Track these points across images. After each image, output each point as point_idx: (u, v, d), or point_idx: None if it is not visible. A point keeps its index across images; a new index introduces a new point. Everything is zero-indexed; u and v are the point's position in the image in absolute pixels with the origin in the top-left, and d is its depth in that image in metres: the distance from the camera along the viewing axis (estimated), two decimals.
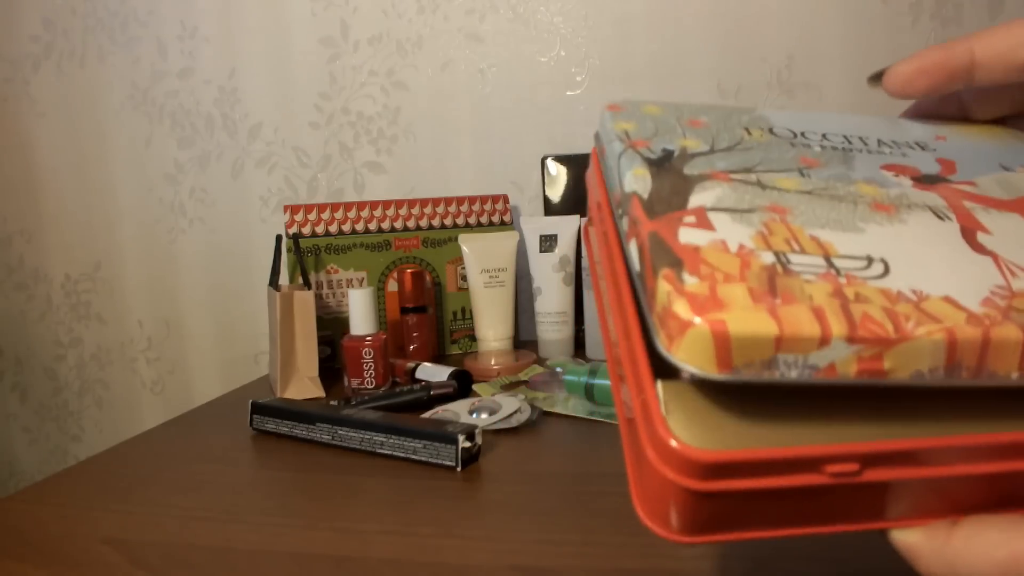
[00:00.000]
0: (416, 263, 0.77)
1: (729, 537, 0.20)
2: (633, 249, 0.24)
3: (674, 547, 0.31)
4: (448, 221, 0.78)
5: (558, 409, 0.53)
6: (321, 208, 0.75)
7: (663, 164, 0.27)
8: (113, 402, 1.00)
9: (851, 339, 0.19)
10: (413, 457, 0.44)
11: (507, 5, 0.84)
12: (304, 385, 0.64)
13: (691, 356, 0.19)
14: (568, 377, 0.54)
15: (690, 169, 0.27)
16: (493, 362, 0.67)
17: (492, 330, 0.73)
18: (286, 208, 0.75)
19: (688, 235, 0.23)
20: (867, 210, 0.25)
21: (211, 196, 0.93)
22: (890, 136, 0.31)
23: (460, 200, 0.78)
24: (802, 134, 0.31)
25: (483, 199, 0.79)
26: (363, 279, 0.76)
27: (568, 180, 0.77)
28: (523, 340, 0.85)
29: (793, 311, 0.20)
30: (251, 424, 0.53)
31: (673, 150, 0.28)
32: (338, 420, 0.48)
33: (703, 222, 0.24)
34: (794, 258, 0.22)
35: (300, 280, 0.72)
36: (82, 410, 1.02)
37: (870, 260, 0.23)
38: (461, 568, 0.30)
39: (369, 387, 0.62)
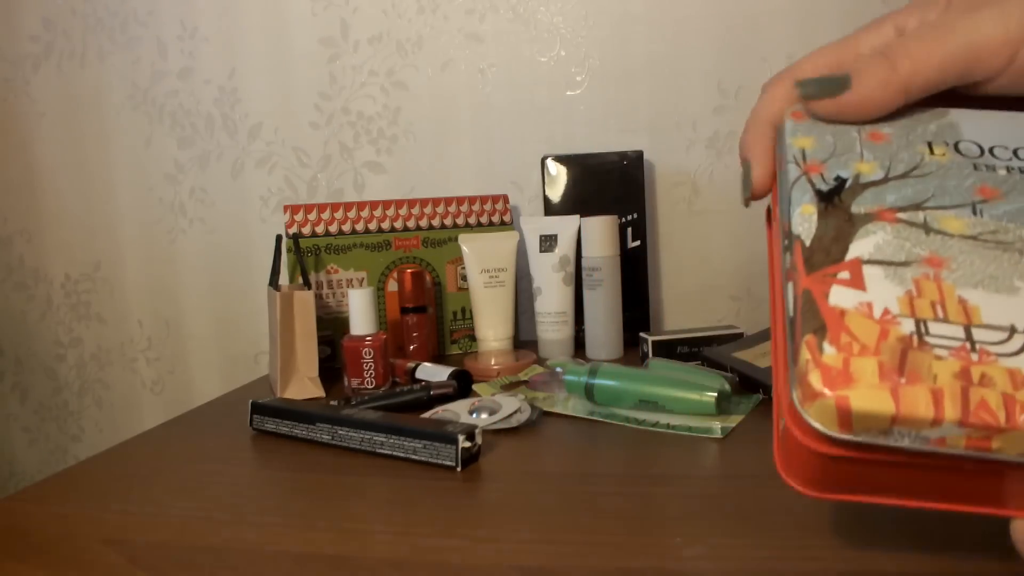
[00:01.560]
0: (416, 263, 0.77)
1: (855, 498, 0.24)
2: (790, 294, 0.25)
3: (674, 547, 0.31)
4: (448, 221, 0.78)
5: (558, 409, 0.53)
6: (321, 208, 0.75)
7: (832, 199, 0.28)
8: (113, 402, 1.00)
9: (962, 423, 0.21)
10: (413, 457, 0.44)
11: (507, 5, 0.84)
12: (304, 385, 0.64)
13: (818, 417, 0.21)
14: (568, 377, 0.54)
15: (858, 205, 0.28)
16: (493, 362, 0.67)
17: (492, 330, 0.73)
18: (286, 208, 0.75)
19: (838, 296, 0.24)
20: None
21: (211, 196, 0.93)
22: None
23: (460, 200, 0.78)
24: (991, 150, 0.29)
25: (483, 199, 0.79)
26: (363, 279, 0.76)
27: (568, 180, 0.77)
28: (523, 340, 0.85)
29: (913, 393, 0.22)
30: (251, 424, 0.53)
31: (846, 178, 0.29)
32: (338, 420, 0.48)
33: (856, 279, 0.25)
34: (933, 327, 0.23)
35: (300, 280, 0.72)
36: (82, 410, 1.02)
37: (1012, 331, 0.23)
38: (461, 568, 0.30)
39: (369, 387, 0.62)
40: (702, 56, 0.81)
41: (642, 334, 0.69)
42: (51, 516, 0.39)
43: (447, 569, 0.30)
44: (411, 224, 0.77)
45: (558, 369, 0.56)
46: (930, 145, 0.30)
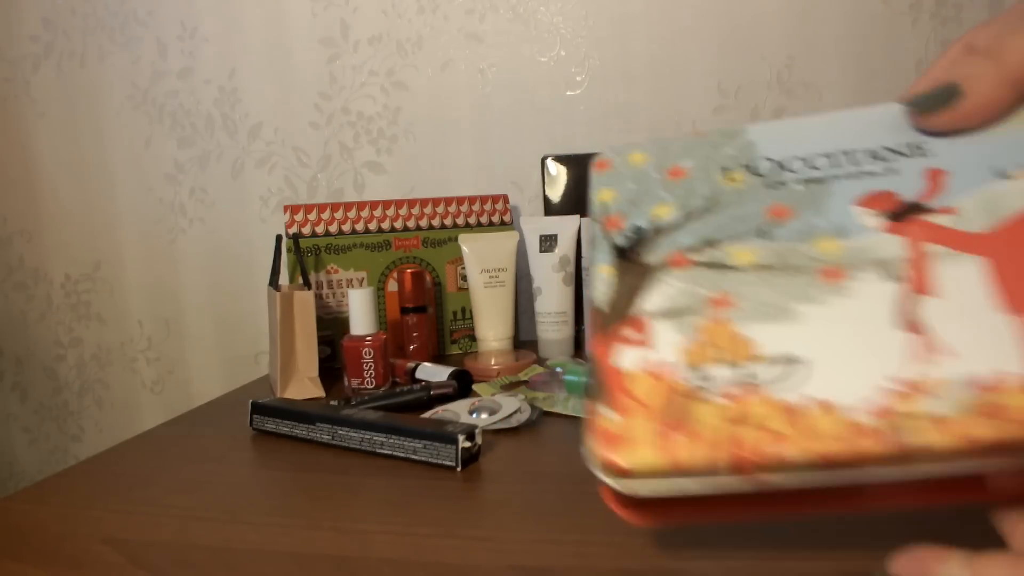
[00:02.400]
0: (416, 263, 0.77)
1: (676, 522, 0.26)
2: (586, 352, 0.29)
3: (674, 547, 0.31)
4: (448, 221, 0.78)
5: (558, 409, 0.53)
6: (321, 208, 0.75)
7: (628, 254, 0.30)
8: (113, 402, 1.00)
9: (731, 468, 0.23)
10: (413, 457, 0.44)
11: (507, 5, 0.84)
12: (304, 385, 0.64)
13: (603, 472, 0.23)
14: (568, 377, 0.54)
15: (654, 255, 0.30)
16: (493, 362, 0.67)
17: (492, 330, 0.73)
18: (286, 208, 0.75)
19: (622, 357, 0.27)
20: (814, 282, 0.27)
21: (211, 196, 0.93)
22: (886, 139, 0.30)
23: (460, 200, 0.78)
24: (785, 165, 0.31)
25: (483, 199, 0.79)
26: (363, 279, 0.76)
27: (568, 180, 0.77)
28: (523, 340, 0.85)
29: (686, 443, 0.24)
30: (251, 424, 0.53)
31: (644, 228, 0.31)
32: (338, 420, 0.48)
33: (642, 336, 0.27)
34: (711, 372, 0.25)
35: (300, 280, 0.72)
36: (82, 410, 1.02)
37: (785, 360, 0.26)
38: (461, 568, 0.30)
39: (369, 387, 0.62)
40: (702, 56, 0.81)
41: None
42: (51, 516, 0.39)
43: (447, 569, 0.30)
44: (411, 224, 0.77)
45: (558, 369, 0.56)
46: (726, 172, 0.31)
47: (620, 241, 0.31)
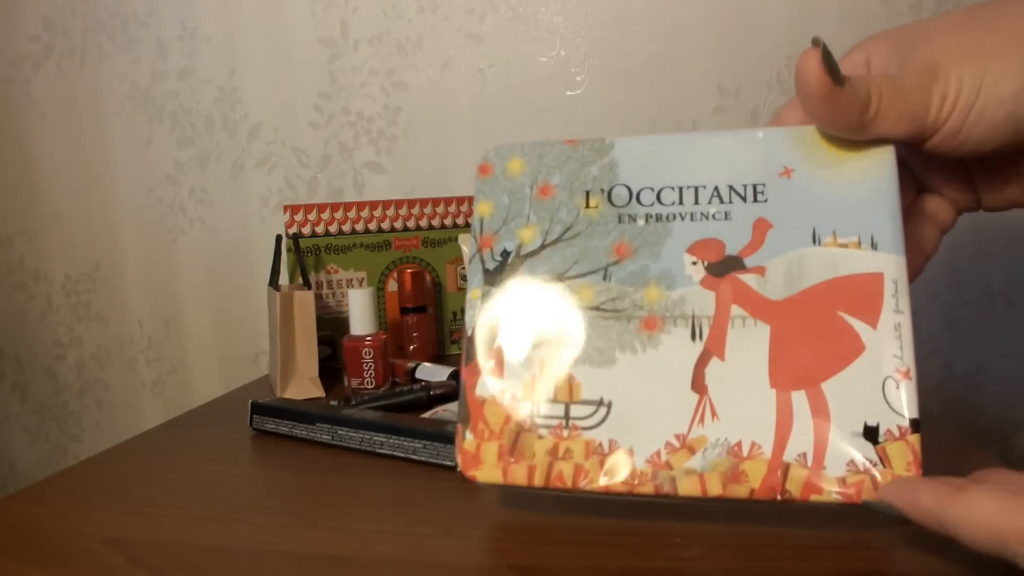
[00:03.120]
0: (416, 263, 0.77)
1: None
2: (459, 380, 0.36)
3: (674, 547, 0.31)
4: (448, 221, 0.78)
5: None
6: (321, 208, 0.75)
7: (495, 279, 0.34)
8: (113, 402, 1.00)
9: (551, 487, 0.31)
10: (413, 457, 0.44)
11: (507, 5, 0.84)
12: (304, 385, 0.64)
13: (464, 473, 0.32)
14: None
15: (516, 283, 0.34)
16: None
17: None
18: (286, 208, 0.75)
19: (483, 386, 0.33)
20: (634, 331, 0.32)
21: (211, 196, 0.93)
22: (734, 176, 0.33)
23: (460, 200, 0.78)
24: (638, 195, 0.34)
25: None
26: (363, 279, 0.76)
27: None
28: None
29: (517, 469, 0.32)
30: (251, 424, 0.53)
31: (510, 251, 0.35)
32: (338, 420, 0.48)
33: (498, 367, 0.33)
34: (543, 408, 0.32)
35: (300, 280, 0.72)
36: (82, 410, 1.02)
37: (599, 404, 0.32)
38: (461, 568, 0.30)
39: (369, 387, 0.62)
40: (702, 56, 0.81)
41: None
42: (51, 516, 0.39)
43: (447, 569, 0.30)
44: (411, 224, 0.77)
45: None
46: (588, 196, 0.35)
47: (490, 265, 0.35)
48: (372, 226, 0.76)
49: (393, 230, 0.77)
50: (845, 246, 0.31)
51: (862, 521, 0.32)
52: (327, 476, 0.43)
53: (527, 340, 0.33)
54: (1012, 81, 0.27)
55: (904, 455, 0.28)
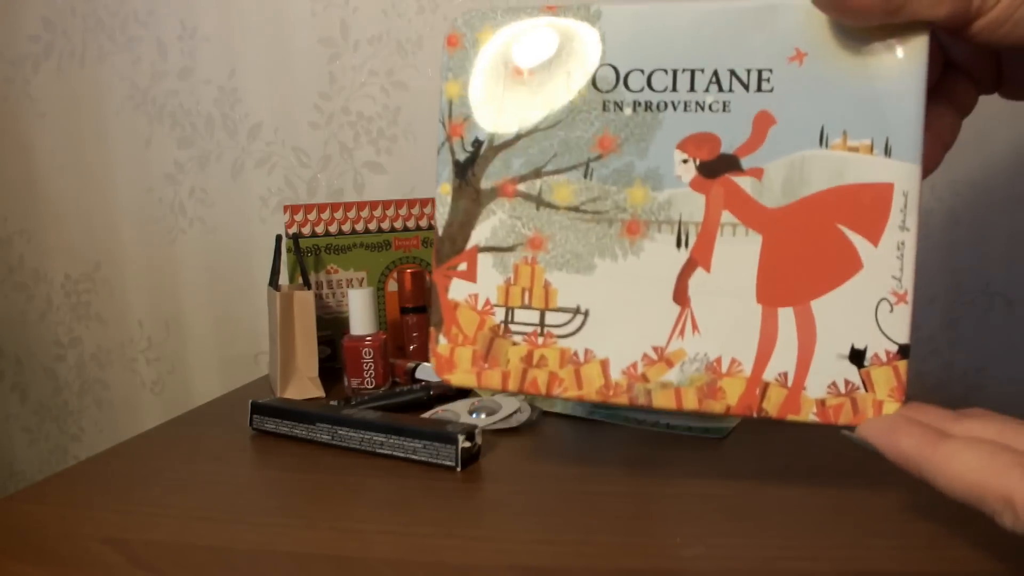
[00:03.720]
0: (416, 263, 0.77)
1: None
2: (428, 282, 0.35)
3: (674, 547, 0.31)
4: None
5: (558, 409, 0.53)
6: (321, 208, 0.75)
7: (466, 173, 0.32)
8: (113, 402, 1.00)
9: (524, 392, 0.31)
10: (413, 457, 0.44)
11: (507, 5, 0.84)
12: (304, 385, 0.64)
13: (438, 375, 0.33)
14: None
15: (487, 179, 0.32)
16: None
17: None
18: (286, 208, 0.75)
19: (455, 289, 0.32)
20: (615, 235, 0.30)
21: (211, 196, 0.93)
22: (737, 58, 0.29)
23: None
24: (626, 79, 0.30)
25: None
26: (363, 279, 0.76)
27: None
28: None
29: (491, 375, 0.31)
30: (251, 424, 0.53)
31: (483, 141, 0.32)
32: (338, 420, 0.48)
33: (471, 270, 0.32)
34: (518, 315, 0.31)
35: (300, 280, 0.72)
36: (82, 410, 1.02)
37: (576, 312, 0.30)
38: (461, 568, 0.30)
39: (369, 387, 0.62)
40: None
41: None
42: (51, 516, 0.39)
43: (447, 569, 0.30)
44: (411, 224, 0.77)
45: None
46: (570, 75, 0.30)
47: (460, 156, 0.33)
48: (372, 226, 0.76)
49: (393, 230, 0.77)
50: (855, 150, 0.28)
51: (862, 521, 0.32)
52: (327, 476, 0.43)
53: (502, 239, 0.31)
54: None
55: (888, 381, 0.28)
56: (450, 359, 0.32)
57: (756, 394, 0.29)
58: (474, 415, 0.51)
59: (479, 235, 0.32)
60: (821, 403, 0.28)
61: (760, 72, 0.28)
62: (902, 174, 0.27)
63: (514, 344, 0.31)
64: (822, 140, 0.28)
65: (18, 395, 1.04)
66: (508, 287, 0.31)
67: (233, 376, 0.96)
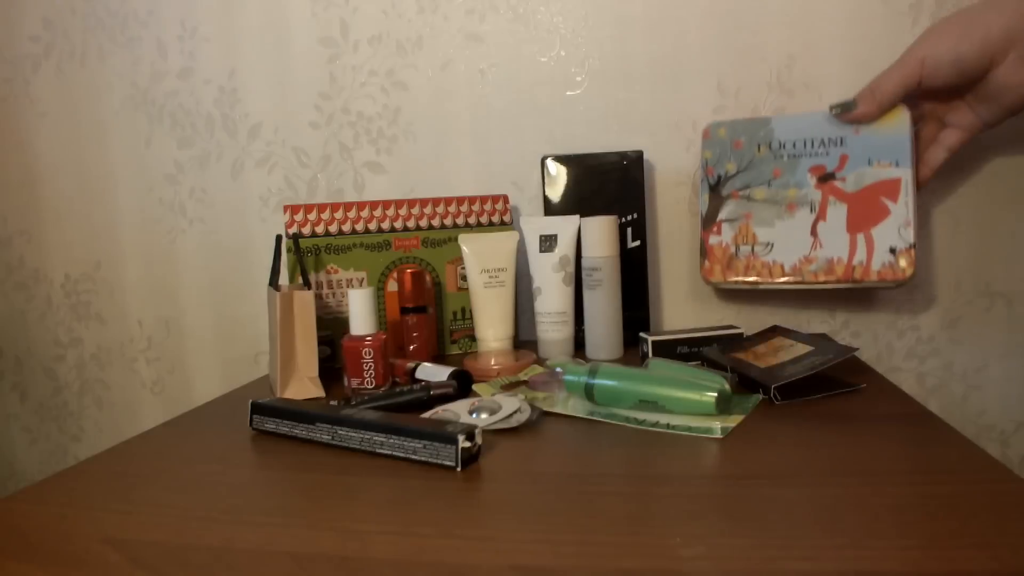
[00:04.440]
0: (416, 263, 0.77)
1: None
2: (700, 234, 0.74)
3: (674, 547, 0.31)
4: (448, 221, 0.78)
5: (558, 409, 0.53)
6: (321, 208, 0.75)
7: (715, 189, 0.72)
8: (113, 402, 1.00)
9: (743, 279, 0.71)
10: (413, 457, 0.44)
11: (507, 5, 0.84)
12: (304, 385, 0.64)
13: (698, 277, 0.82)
14: (568, 377, 0.54)
15: (725, 190, 0.72)
16: (493, 362, 0.67)
17: (492, 330, 0.73)
18: (286, 208, 0.75)
19: (712, 239, 0.72)
20: (783, 210, 0.69)
21: (211, 196, 0.93)
22: (827, 133, 0.68)
23: (460, 200, 0.78)
24: (783, 144, 0.69)
25: (483, 199, 0.79)
26: (363, 279, 0.76)
27: (568, 180, 0.77)
28: (523, 340, 0.85)
29: (732, 276, 0.71)
30: (251, 424, 0.53)
31: (722, 175, 0.72)
32: (338, 420, 0.48)
33: (719, 230, 0.72)
34: (742, 248, 0.71)
35: (300, 280, 0.72)
36: (82, 410, 1.02)
37: (768, 245, 0.69)
38: (461, 568, 0.30)
39: (369, 387, 0.62)
40: (702, 56, 0.81)
41: (642, 334, 0.69)
42: (51, 516, 0.39)
43: (447, 569, 0.30)
44: (411, 224, 0.77)
45: (558, 369, 0.56)
46: (759, 145, 0.70)
47: (712, 181, 0.72)
48: (372, 226, 0.76)
49: (393, 230, 0.77)
50: (884, 166, 0.66)
51: (862, 521, 0.32)
52: (327, 476, 0.43)
53: (732, 215, 0.71)
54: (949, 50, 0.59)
55: (908, 258, 0.64)
56: (711, 267, 0.71)
57: (850, 270, 0.66)
58: (474, 415, 0.51)
59: (722, 214, 0.71)
60: (878, 272, 0.65)
61: (841, 138, 0.68)
62: (904, 173, 0.65)
63: (741, 261, 0.70)
64: (869, 163, 0.66)
65: (18, 395, 1.04)
66: (736, 236, 0.70)
67: (233, 376, 0.96)
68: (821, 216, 0.67)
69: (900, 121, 0.64)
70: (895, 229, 0.64)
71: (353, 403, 0.55)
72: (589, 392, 0.53)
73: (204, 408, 0.62)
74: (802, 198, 0.67)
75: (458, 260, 0.78)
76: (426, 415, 0.52)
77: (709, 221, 0.71)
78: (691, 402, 0.50)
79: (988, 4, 0.57)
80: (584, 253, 0.71)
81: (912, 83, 0.61)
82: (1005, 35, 0.56)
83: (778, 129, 0.69)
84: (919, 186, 0.66)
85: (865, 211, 0.66)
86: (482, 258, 0.73)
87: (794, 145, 0.68)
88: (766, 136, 0.69)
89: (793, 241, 0.68)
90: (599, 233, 0.69)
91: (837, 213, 0.67)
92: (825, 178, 0.67)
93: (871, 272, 0.64)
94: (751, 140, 0.70)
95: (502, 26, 0.84)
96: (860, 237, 0.66)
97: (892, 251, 0.64)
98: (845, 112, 0.65)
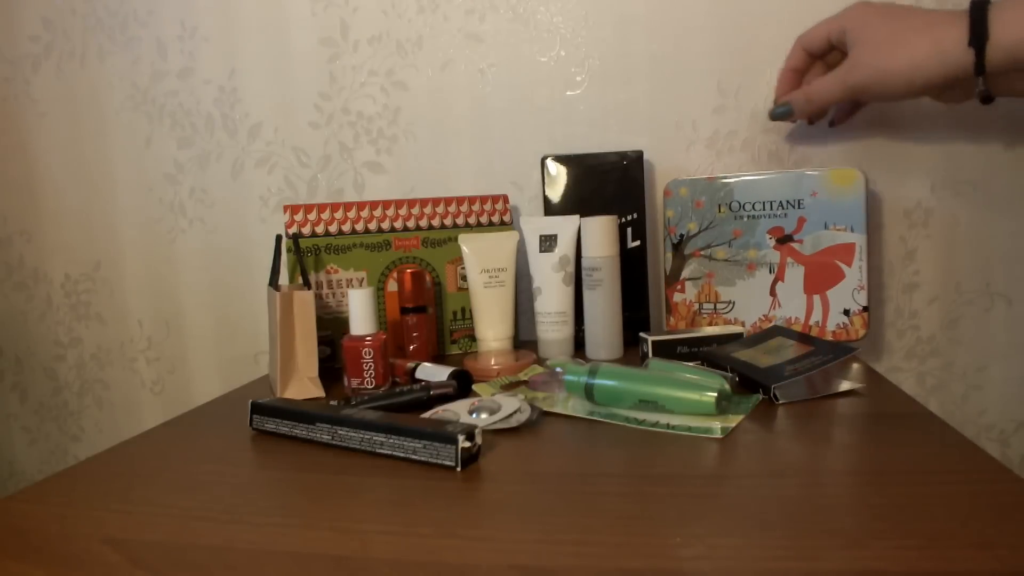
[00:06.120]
0: (416, 263, 0.77)
1: None
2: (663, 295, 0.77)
3: (674, 547, 0.31)
4: (448, 221, 0.78)
5: (558, 409, 0.53)
6: (321, 208, 0.75)
7: (678, 248, 0.73)
8: (113, 402, 1.00)
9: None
10: (413, 457, 0.44)
11: (507, 5, 0.84)
12: (304, 385, 0.64)
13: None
14: (568, 377, 0.54)
15: (687, 249, 0.73)
16: (493, 362, 0.67)
17: (492, 330, 0.73)
18: (286, 208, 0.75)
19: (676, 296, 0.74)
20: (744, 270, 0.72)
21: (211, 196, 0.93)
22: (787, 195, 0.70)
23: (460, 200, 0.78)
24: (743, 206, 0.71)
25: (483, 199, 0.79)
26: (363, 279, 0.76)
27: (568, 180, 0.77)
28: (523, 340, 0.85)
29: (692, 328, 0.72)
30: (251, 424, 0.53)
31: (684, 233, 0.73)
32: (338, 420, 0.48)
33: (683, 288, 0.74)
34: (704, 306, 0.74)
35: (300, 280, 0.72)
36: (82, 410, 1.02)
37: (730, 303, 0.73)
38: (461, 568, 0.30)
39: (369, 387, 0.62)
40: (702, 56, 0.81)
41: (642, 334, 0.69)
42: (51, 516, 0.39)
43: (447, 569, 0.30)
44: (411, 224, 0.77)
45: (558, 369, 0.56)
46: (719, 206, 0.72)
47: (675, 240, 0.73)
48: (372, 226, 0.76)
49: (393, 230, 0.77)
50: (840, 230, 0.69)
51: (862, 521, 0.32)
52: (327, 476, 0.43)
53: (695, 273, 0.73)
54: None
55: (861, 320, 0.70)
56: (675, 326, 0.73)
57: (806, 331, 0.70)
58: (474, 415, 0.51)
59: (686, 273, 0.73)
60: (833, 333, 0.70)
61: (799, 200, 0.70)
62: (858, 239, 0.69)
63: (704, 316, 0.73)
64: (826, 226, 0.70)
65: (18, 395, 1.04)
66: (699, 294, 0.73)
67: (233, 376, 0.96)
68: (780, 277, 0.70)
69: (856, 187, 0.68)
70: (849, 292, 0.69)
71: (353, 403, 0.55)
72: (589, 392, 0.53)
73: (204, 408, 0.62)
74: (761, 259, 0.71)
75: (458, 260, 0.78)
76: (426, 415, 0.52)
77: (672, 279, 0.73)
78: (691, 402, 0.50)
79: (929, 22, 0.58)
80: (584, 253, 0.71)
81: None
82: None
83: (737, 190, 0.71)
84: (809, 122, 0.75)
85: (821, 274, 0.70)
86: (482, 258, 0.73)
87: (753, 206, 0.70)
88: (726, 196, 0.71)
89: (754, 300, 0.72)
90: (599, 233, 0.69)
91: (795, 275, 0.70)
92: (783, 240, 0.70)
93: (826, 332, 0.70)
94: (712, 200, 0.71)
95: (502, 26, 0.84)
96: (816, 299, 0.70)
97: (846, 312, 0.69)
98: (782, 115, 0.70)
